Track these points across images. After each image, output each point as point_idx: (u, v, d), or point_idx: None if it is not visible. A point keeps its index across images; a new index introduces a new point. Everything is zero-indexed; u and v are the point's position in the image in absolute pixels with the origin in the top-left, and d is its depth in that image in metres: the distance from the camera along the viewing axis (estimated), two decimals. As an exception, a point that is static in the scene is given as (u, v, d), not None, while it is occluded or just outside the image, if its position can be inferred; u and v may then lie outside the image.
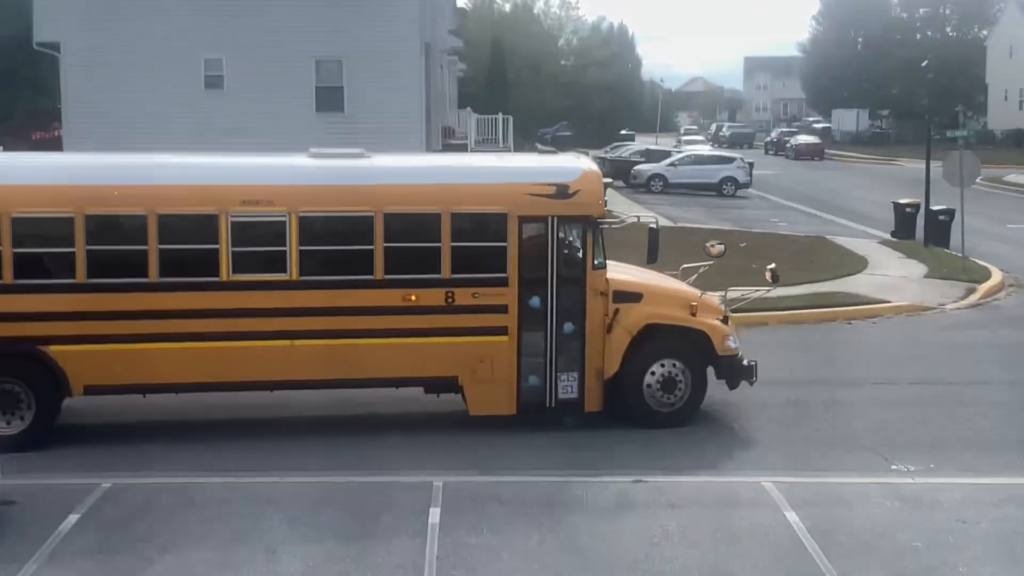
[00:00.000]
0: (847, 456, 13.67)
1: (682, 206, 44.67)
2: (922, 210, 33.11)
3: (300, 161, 14.75)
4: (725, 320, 15.44)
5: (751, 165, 54.11)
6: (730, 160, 53.47)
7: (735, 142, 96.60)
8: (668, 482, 12.51)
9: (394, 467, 13.01)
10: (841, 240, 33.28)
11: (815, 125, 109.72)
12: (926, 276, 27.05)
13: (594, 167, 15.21)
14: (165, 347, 13.67)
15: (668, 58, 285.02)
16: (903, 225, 33.78)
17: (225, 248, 13.61)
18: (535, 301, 14.34)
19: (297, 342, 13.88)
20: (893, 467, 13.20)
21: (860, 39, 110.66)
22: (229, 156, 16.11)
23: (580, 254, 14.57)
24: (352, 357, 14.02)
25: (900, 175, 61.47)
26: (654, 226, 15.66)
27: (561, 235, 14.45)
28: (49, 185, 13.85)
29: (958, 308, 23.87)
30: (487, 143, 43.97)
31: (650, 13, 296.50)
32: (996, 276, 27.14)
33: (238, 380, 14.05)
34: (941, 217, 32.07)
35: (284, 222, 13.75)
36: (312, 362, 13.96)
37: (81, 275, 13.51)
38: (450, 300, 14.13)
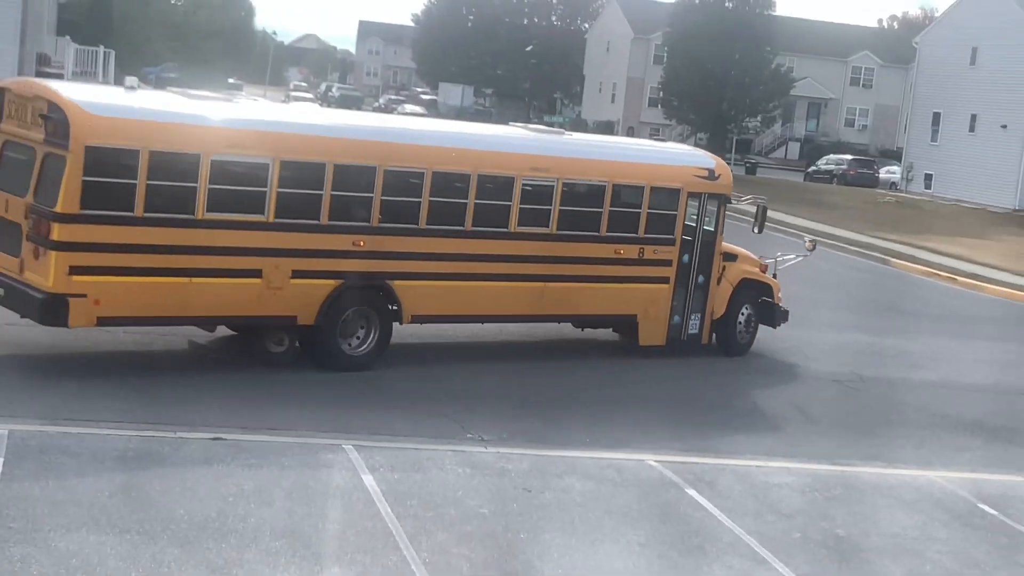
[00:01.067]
0: (427, 422, 13.96)
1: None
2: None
3: (558, 137, 18.90)
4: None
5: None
6: (337, 121, 53.44)
7: (344, 103, 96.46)
8: (248, 440, 12.34)
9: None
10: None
11: (423, 96, 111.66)
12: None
13: (721, 160, 20.06)
14: (478, 285, 16.42)
15: (284, 11, 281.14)
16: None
17: (515, 206, 16.56)
18: (685, 258, 18.66)
19: (549, 284, 17.09)
20: (468, 435, 13.60)
21: (472, 17, 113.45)
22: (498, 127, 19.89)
23: (714, 222, 19.03)
24: (573, 296, 17.48)
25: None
26: (765, 205, 20.75)
27: (707, 206, 18.86)
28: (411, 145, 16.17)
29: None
30: (86, 76, 41.84)
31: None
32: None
33: (509, 313, 17.32)
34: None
35: (552, 187, 16.99)
36: (547, 300, 17.18)
37: (423, 221, 15.83)
38: (641, 255, 18.11)
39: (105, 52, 42.48)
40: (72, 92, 14.26)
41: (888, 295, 30.38)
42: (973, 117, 60.18)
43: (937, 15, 77.21)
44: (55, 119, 13.51)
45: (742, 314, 19.68)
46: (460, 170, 16.17)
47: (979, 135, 59.76)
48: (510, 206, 16.51)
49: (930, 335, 25.27)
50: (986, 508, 13.61)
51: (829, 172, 69.88)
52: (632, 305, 18.26)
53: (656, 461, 13.40)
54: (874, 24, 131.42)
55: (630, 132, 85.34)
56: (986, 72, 59.42)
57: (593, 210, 17.45)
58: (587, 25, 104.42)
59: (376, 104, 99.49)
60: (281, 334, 15.51)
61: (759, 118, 68.44)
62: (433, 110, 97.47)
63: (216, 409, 13.37)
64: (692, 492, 12.56)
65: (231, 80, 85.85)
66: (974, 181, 58.94)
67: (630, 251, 17.93)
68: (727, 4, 63.61)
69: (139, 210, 13.73)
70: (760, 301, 19.89)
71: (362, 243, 15.40)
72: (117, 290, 13.75)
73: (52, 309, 13.50)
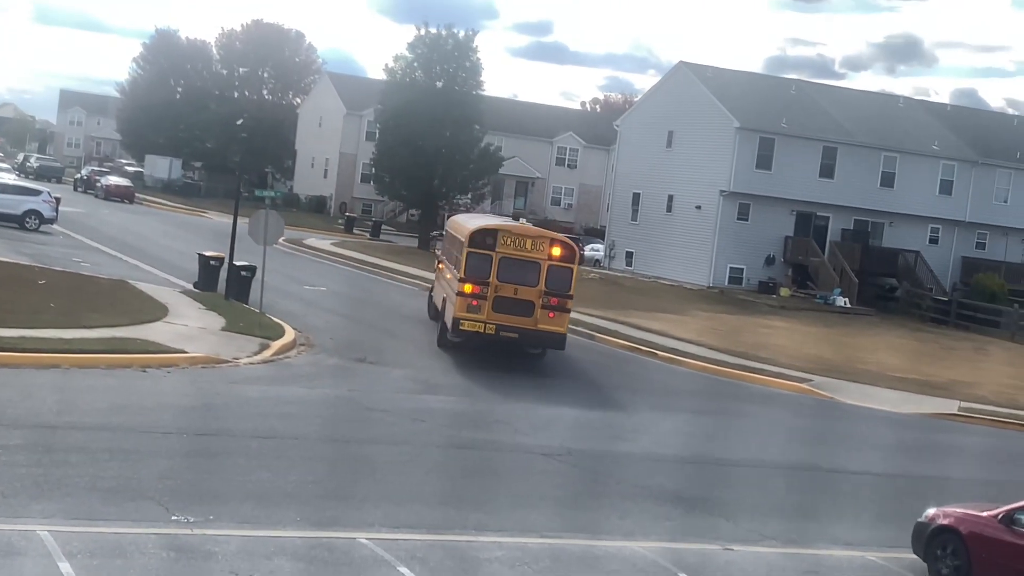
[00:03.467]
0: (129, 505, 13.47)
1: (-22, 235, 42.08)
2: (226, 264, 33.81)
3: None
4: None
5: (58, 200, 52.34)
6: (36, 192, 51.22)
7: (43, 175, 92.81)
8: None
9: None
10: (144, 286, 33.04)
11: (128, 168, 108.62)
12: (224, 329, 27.56)
13: None
14: None
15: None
16: (207, 277, 34.25)
17: None
18: None
19: None
20: (173, 517, 13.20)
21: (180, 89, 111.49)
22: None
23: None
24: None
25: (208, 227, 62.40)
26: None
27: None
28: None
29: (252, 363, 24.54)
30: None
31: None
32: (290, 334, 28.29)
33: None
34: (243, 273, 32.96)
35: None
36: None
37: None
38: None
39: None
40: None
41: (594, 370, 31.38)
42: (670, 197, 63.26)
43: (636, 100, 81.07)
44: (567, 248, 28.39)
45: None
46: None
47: (676, 215, 62.84)
48: None
49: (633, 408, 26.25)
50: None
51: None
52: None
53: (367, 539, 13.35)
54: (578, 107, 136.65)
55: (343, 208, 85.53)
56: (681, 154, 62.73)
57: None
58: (299, 100, 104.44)
59: (78, 175, 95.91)
60: None
61: (469, 195, 69.99)
62: (139, 182, 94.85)
63: None
64: (404, 569, 12.57)
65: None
66: (672, 259, 61.89)
67: None
68: (437, 84, 64.90)
69: None
70: None
71: None
72: None
73: (564, 342, 28.72)
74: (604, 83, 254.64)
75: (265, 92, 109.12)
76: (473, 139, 65.88)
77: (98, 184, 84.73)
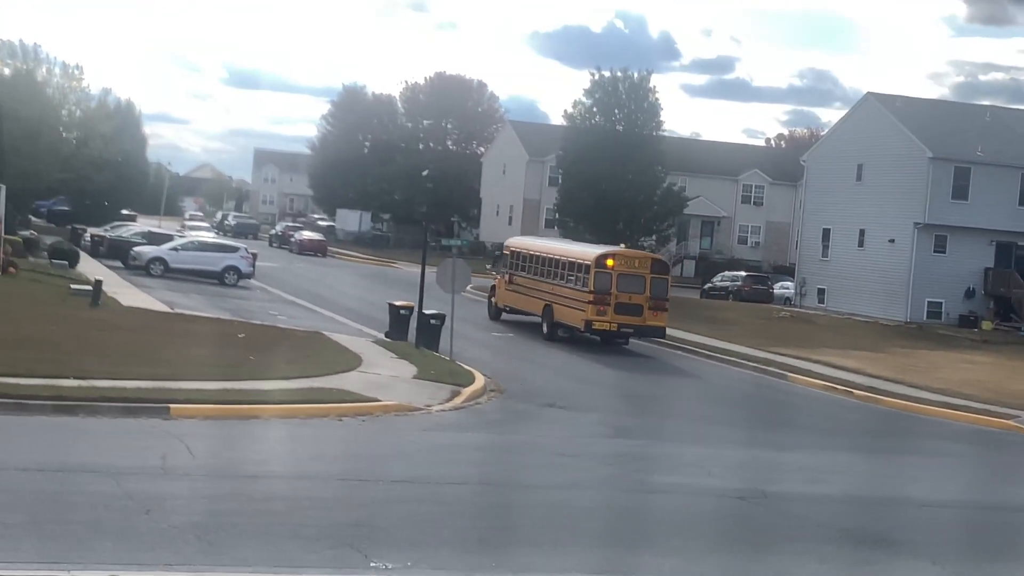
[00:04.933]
0: (328, 552, 13.77)
1: (182, 292, 43.91)
2: (415, 313, 34.45)
3: None
4: None
5: (255, 256, 54.27)
6: (234, 249, 53.30)
7: (240, 232, 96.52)
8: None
9: None
10: (338, 337, 33.92)
11: (320, 222, 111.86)
12: (416, 377, 28.06)
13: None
14: None
15: (178, 140, 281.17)
16: (397, 326, 34.98)
17: None
18: None
19: None
20: (372, 564, 13.42)
21: (367, 143, 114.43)
22: None
23: None
24: None
25: (397, 277, 63.72)
26: None
27: None
28: None
29: (443, 409, 24.89)
30: (-26, 210, 41.26)
31: (159, 94, 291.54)
32: (480, 380, 28.63)
33: None
34: (433, 321, 33.53)
35: None
36: None
37: None
38: None
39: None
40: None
41: (786, 410, 30.82)
42: (862, 232, 61.92)
43: (823, 133, 79.68)
44: (662, 264, 40.55)
45: None
46: None
47: (868, 249, 61.45)
48: None
49: (830, 449, 25.64)
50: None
51: (725, 289, 71.17)
52: None
53: (562, 584, 13.33)
54: (762, 143, 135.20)
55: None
56: (872, 187, 61.38)
57: None
58: (483, 149, 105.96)
59: (273, 231, 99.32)
60: None
61: (654, 237, 69.61)
62: (331, 235, 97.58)
63: (109, 545, 13.08)
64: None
65: (124, 211, 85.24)
66: (866, 295, 60.47)
67: None
68: (618, 127, 65.02)
69: None
70: None
71: None
72: None
73: (664, 332, 39.72)
74: (787, 118, 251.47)
75: (449, 143, 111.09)
76: (656, 180, 65.69)
77: (292, 239, 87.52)
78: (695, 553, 15.72)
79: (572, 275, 40.15)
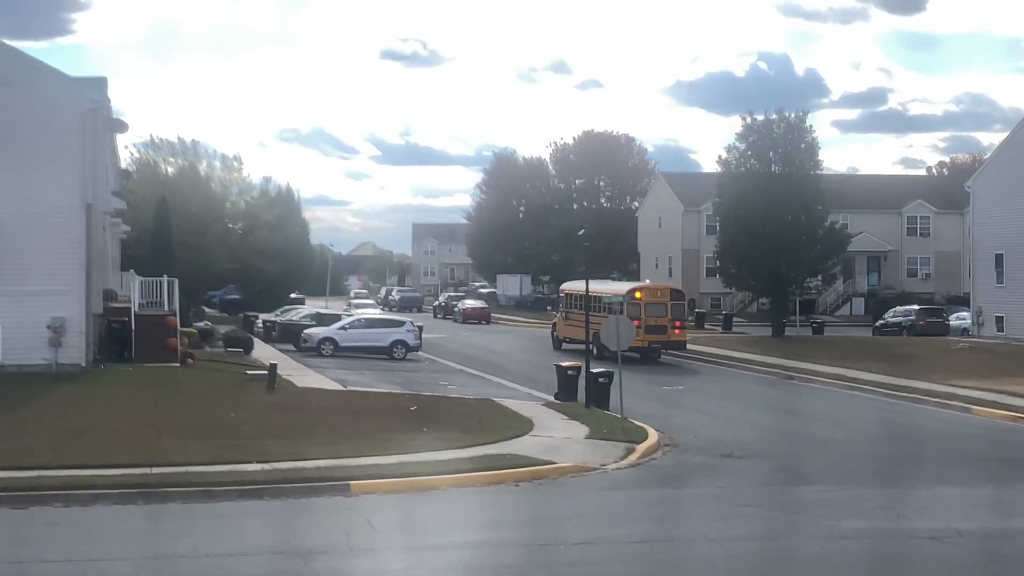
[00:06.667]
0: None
1: (353, 369, 44.76)
2: (583, 372, 34.46)
3: None
4: None
5: (421, 328, 55.06)
6: (400, 323, 54.20)
7: (405, 305, 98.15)
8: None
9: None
10: (508, 402, 34.11)
11: (481, 290, 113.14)
12: (588, 437, 28.01)
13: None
14: None
15: (338, 222, 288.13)
16: (566, 387, 35.03)
17: None
18: None
19: None
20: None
21: (522, 208, 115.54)
22: None
23: None
24: None
25: (562, 338, 63.76)
26: None
27: None
28: None
29: (619, 467, 24.77)
30: (152, 306, 42.88)
31: (316, 178, 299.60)
32: (653, 436, 28.43)
33: None
34: (601, 379, 33.47)
35: None
36: None
37: None
38: None
39: (169, 281, 43.58)
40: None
41: (973, 444, 29.82)
42: (1037, 254, 59.86)
43: (985, 157, 77.55)
44: (678, 293, 53.68)
45: None
46: None
47: (1046, 271, 59.34)
48: None
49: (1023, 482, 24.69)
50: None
51: (898, 324, 69.47)
52: None
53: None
54: (923, 173, 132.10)
55: (691, 304, 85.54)
56: (1044, 208, 59.37)
57: None
58: (636, 203, 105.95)
59: (436, 302, 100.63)
60: None
61: (819, 277, 68.55)
62: (493, 302, 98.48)
63: None
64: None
65: (293, 295, 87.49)
66: (1049, 319, 58.28)
67: None
68: (773, 169, 64.39)
69: None
70: None
71: None
72: None
73: (685, 345, 52.06)
74: (946, 145, 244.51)
75: (603, 199, 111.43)
76: (817, 220, 64.77)
77: (455, 309, 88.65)
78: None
79: (611, 307, 50.28)
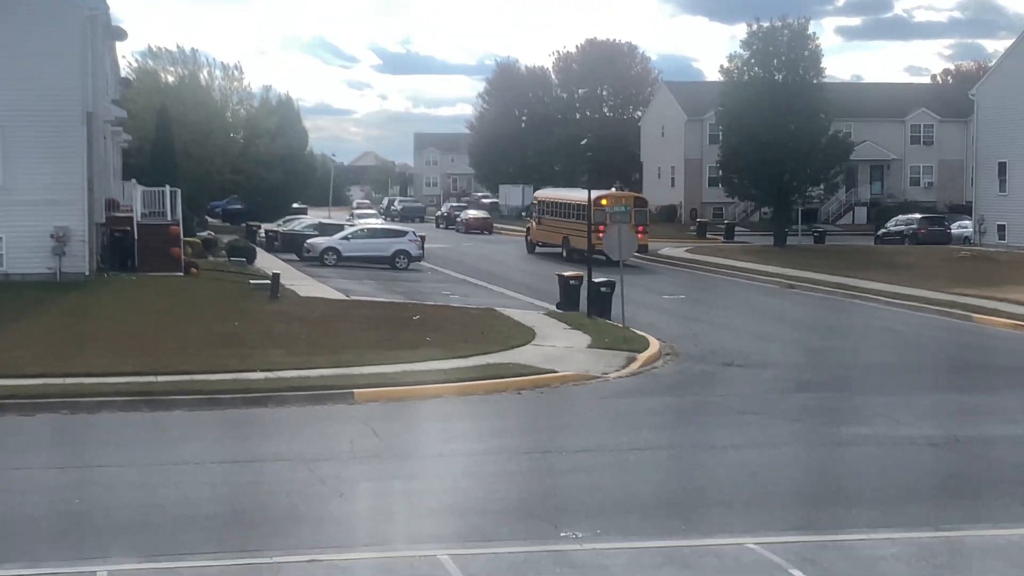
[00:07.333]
0: (519, 525, 13.92)
1: (356, 279, 44.79)
2: (585, 282, 34.48)
3: None
4: None
5: (423, 239, 55.00)
6: (402, 234, 54.12)
7: (407, 216, 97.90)
8: (344, 560, 12.38)
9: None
10: (510, 312, 34.18)
11: (483, 200, 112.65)
12: (590, 346, 28.09)
13: None
14: None
15: (339, 132, 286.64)
16: (568, 297, 35.06)
17: None
18: None
19: None
20: (563, 534, 13.52)
21: (524, 117, 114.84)
22: None
23: None
24: None
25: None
26: None
27: None
28: None
29: (620, 376, 24.88)
30: (154, 216, 42.80)
31: (317, 87, 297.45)
32: (654, 345, 28.52)
33: None
34: (603, 289, 33.49)
35: None
36: None
37: None
38: None
39: (172, 191, 43.44)
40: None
41: (974, 352, 29.92)
42: (1040, 163, 59.56)
43: (991, 65, 76.82)
44: (641, 200, 58.91)
45: None
46: None
47: (1049, 180, 59.08)
48: None
49: (1022, 389, 24.79)
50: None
51: (899, 233, 69.33)
52: None
53: (755, 544, 13.22)
54: (927, 81, 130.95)
55: (693, 214, 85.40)
56: (1048, 116, 58.95)
57: None
58: (639, 112, 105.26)
59: (438, 213, 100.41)
60: None
61: (822, 186, 68.25)
62: (495, 212, 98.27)
63: (307, 530, 13.46)
64: (796, 572, 12.35)
65: (295, 205, 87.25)
66: (1050, 227, 58.15)
67: None
68: (776, 77, 63.88)
69: None
70: None
71: None
72: None
73: (647, 248, 54.82)
74: (951, 52, 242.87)
75: (606, 109, 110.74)
76: (819, 129, 64.39)
77: (458, 219, 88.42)
78: (891, 503, 15.38)
79: (579, 214, 53.09)
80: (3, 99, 35.74)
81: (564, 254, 55.75)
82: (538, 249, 61.50)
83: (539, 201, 64.15)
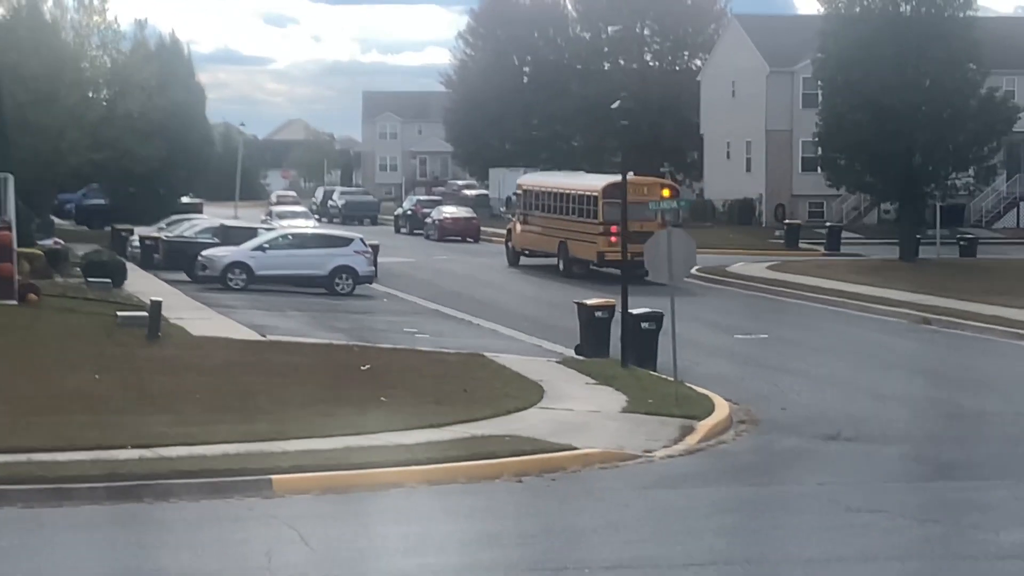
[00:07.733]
0: None
1: (276, 309, 44.85)
2: (618, 314, 34.45)
3: None
4: None
5: (376, 249, 54.98)
6: (346, 242, 54.02)
7: (352, 215, 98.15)
8: None
9: None
10: (506, 359, 34.20)
11: (467, 191, 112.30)
12: (625, 410, 28.12)
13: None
14: None
15: (252, 90, 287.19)
16: (593, 336, 35.00)
17: None
18: None
19: None
20: None
21: (527, 69, 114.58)
22: None
23: None
24: None
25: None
26: None
27: None
28: None
29: (671, 455, 24.88)
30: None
31: (217, 25, 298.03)
32: (722, 408, 28.54)
33: None
34: (645, 324, 33.46)
35: None
36: None
37: None
38: None
39: (1, 179, 43.39)
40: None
41: None
42: None
43: None
44: (673, 189, 58.35)
45: None
46: None
47: None
48: None
49: None
50: None
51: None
52: None
53: None
54: None
55: (779, 212, 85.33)
56: None
57: None
58: (699, 62, 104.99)
59: (399, 211, 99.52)
60: None
61: (971, 171, 67.91)
62: (484, 209, 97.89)
63: None
64: None
65: (185, 199, 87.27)
66: None
67: None
68: (903, 8, 63.91)
69: None
70: None
71: None
72: None
73: None
74: None
75: (648, 57, 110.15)
76: (968, 86, 64.45)
77: (428, 220, 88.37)
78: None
79: (583, 208, 55.60)
80: None
81: (560, 267, 58.02)
82: (524, 260, 63.66)
83: (524, 190, 65.71)
